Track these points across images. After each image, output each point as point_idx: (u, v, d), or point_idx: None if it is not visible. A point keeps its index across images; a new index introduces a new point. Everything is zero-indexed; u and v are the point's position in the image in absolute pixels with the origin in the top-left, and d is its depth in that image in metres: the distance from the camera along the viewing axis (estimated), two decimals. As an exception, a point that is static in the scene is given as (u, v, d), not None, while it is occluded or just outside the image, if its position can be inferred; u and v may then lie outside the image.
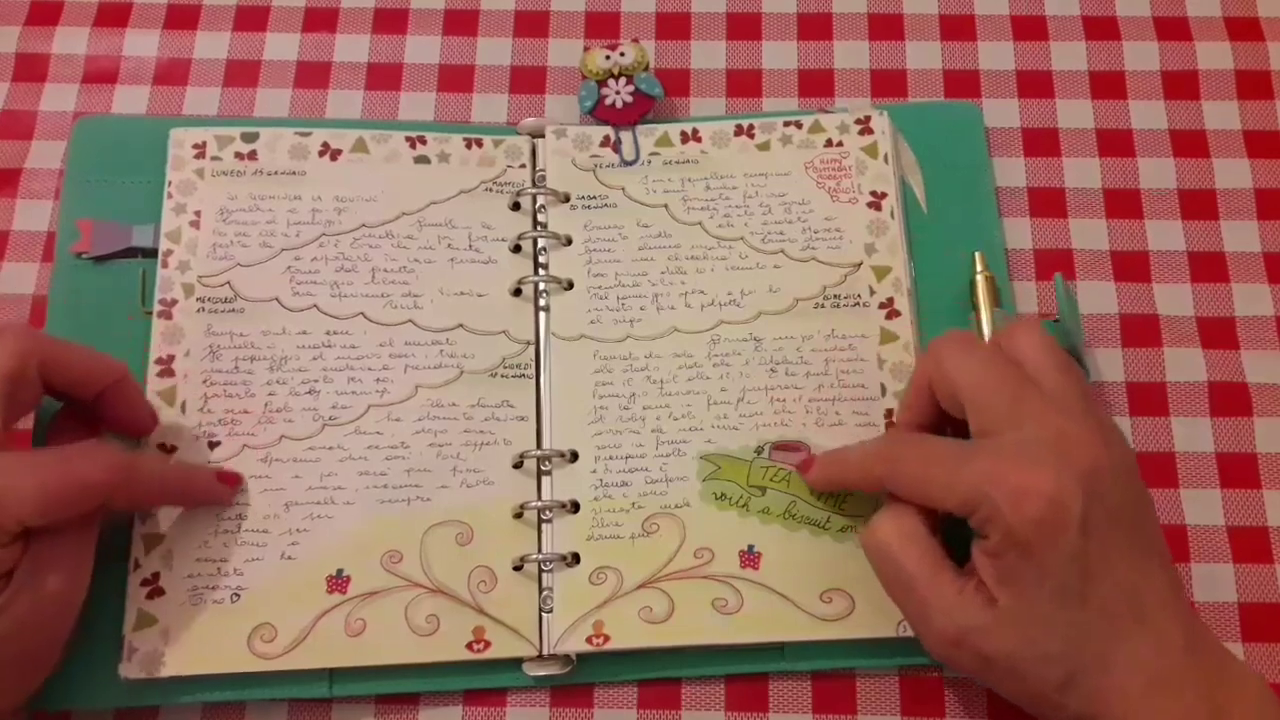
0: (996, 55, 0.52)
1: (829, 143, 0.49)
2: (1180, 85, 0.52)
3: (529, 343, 0.46)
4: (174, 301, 0.46)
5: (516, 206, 0.48)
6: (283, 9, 0.53)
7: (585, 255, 0.47)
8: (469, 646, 0.41)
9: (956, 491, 0.36)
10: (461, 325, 0.46)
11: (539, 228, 0.48)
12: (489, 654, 0.41)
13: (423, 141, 0.49)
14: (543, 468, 0.44)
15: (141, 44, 0.52)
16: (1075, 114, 0.51)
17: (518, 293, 0.47)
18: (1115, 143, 0.51)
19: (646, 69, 0.50)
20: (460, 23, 0.53)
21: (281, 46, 0.53)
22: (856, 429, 0.44)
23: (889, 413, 0.45)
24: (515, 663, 0.42)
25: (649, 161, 0.49)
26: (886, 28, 0.53)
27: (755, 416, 0.45)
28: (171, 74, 0.52)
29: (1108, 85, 0.52)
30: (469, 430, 0.44)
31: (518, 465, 0.44)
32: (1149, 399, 0.47)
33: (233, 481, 0.43)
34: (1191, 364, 0.47)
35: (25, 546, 0.36)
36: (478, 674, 0.42)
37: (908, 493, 0.38)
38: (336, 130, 0.49)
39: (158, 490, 0.41)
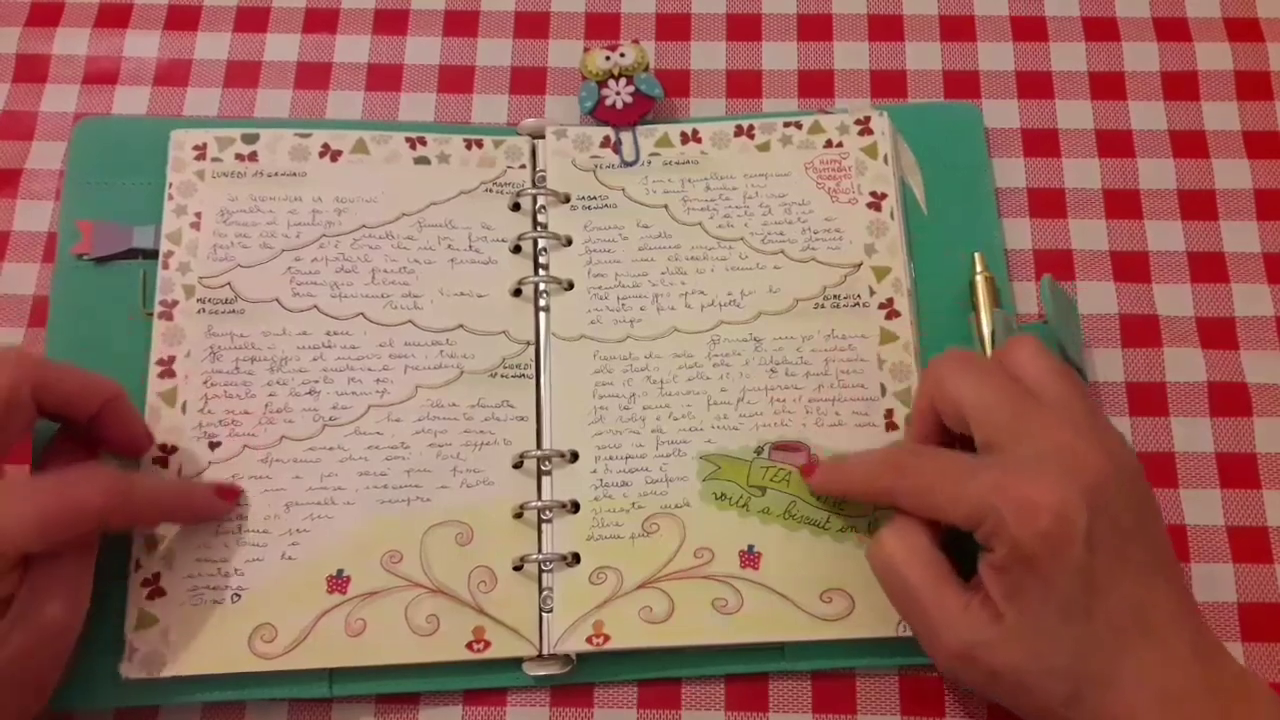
0: (996, 56, 0.53)
1: (829, 143, 0.49)
2: (1180, 86, 0.52)
3: (529, 343, 0.46)
4: (174, 303, 0.46)
5: (516, 207, 0.48)
6: (283, 10, 0.53)
7: (585, 256, 0.47)
8: (469, 646, 0.41)
9: (962, 504, 0.36)
10: (461, 326, 0.46)
11: (539, 228, 0.48)
12: (489, 654, 0.41)
13: (423, 142, 0.49)
14: (543, 468, 0.44)
15: (142, 45, 0.52)
16: (1075, 115, 0.51)
17: (518, 293, 0.47)
18: (1115, 143, 0.51)
19: (646, 70, 0.50)
20: (460, 23, 0.53)
21: (282, 47, 0.53)
22: (856, 429, 0.44)
23: (889, 413, 0.45)
24: (515, 663, 0.42)
25: (649, 162, 0.49)
26: (886, 28, 0.53)
27: (755, 417, 0.45)
28: (172, 75, 0.52)
29: (1107, 86, 0.52)
30: (469, 430, 0.44)
31: (518, 465, 0.44)
32: (1149, 399, 0.47)
33: (231, 496, 0.43)
34: (1191, 364, 0.47)
35: (23, 574, 0.36)
36: (478, 674, 0.42)
37: (912, 504, 0.38)
38: (337, 131, 0.49)
39: (154, 510, 0.41)
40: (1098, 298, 0.48)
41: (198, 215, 0.47)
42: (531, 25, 0.53)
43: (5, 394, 0.37)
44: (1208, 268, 0.49)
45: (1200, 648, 0.35)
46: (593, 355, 0.46)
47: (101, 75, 0.52)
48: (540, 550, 0.43)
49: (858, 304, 0.46)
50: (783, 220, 0.48)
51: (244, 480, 0.43)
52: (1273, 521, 0.45)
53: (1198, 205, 0.50)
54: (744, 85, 0.52)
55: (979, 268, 0.47)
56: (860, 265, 0.47)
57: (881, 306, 0.46)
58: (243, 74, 0.52)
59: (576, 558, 0.43)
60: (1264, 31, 0.53)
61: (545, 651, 0.42)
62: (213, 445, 0.44)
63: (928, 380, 0.39)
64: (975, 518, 0.35)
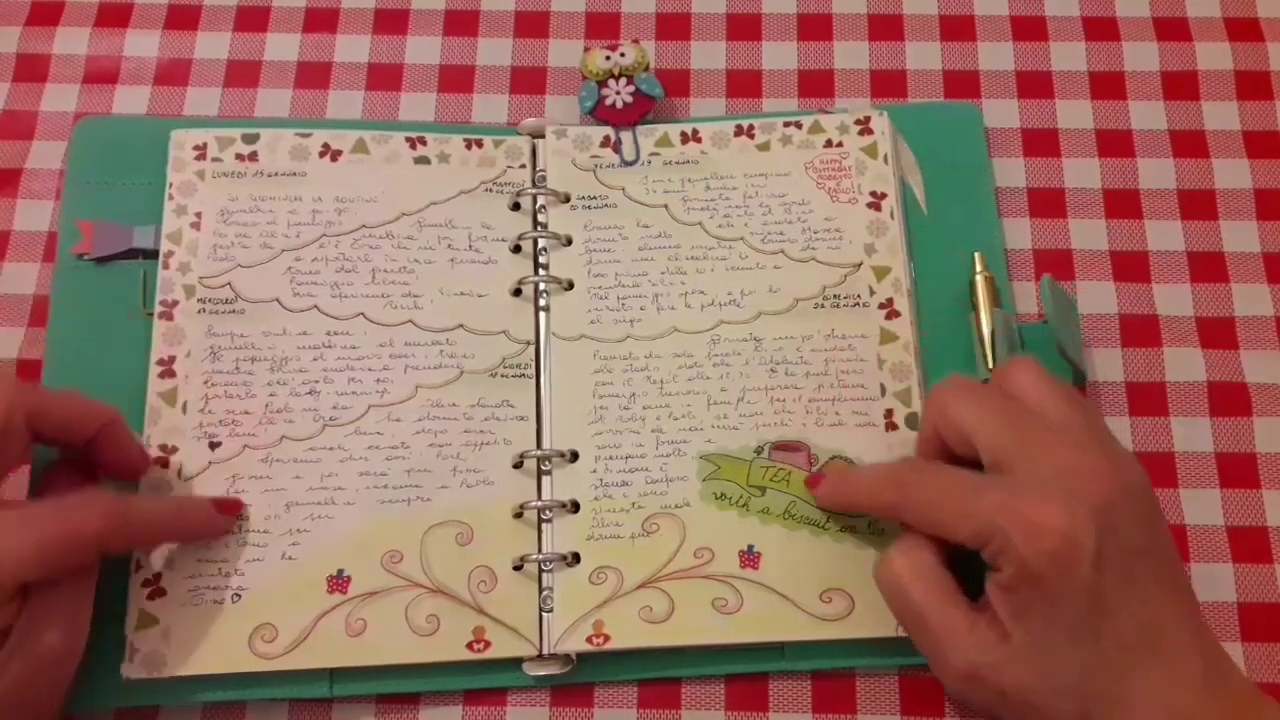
0: (996, 56, 0.53)
1: (829, 143, 0.49)
2: (1180, 86, 0.52)
3: (529, 343, 0.46)
4: (175, 303, 0.46)
5: (516, 207, 0.48)
6: (283, 9, 0.53)
7: (585, 255, 0.47)
8: (469, 646, 0.41)
9: (968, 522, 0.35)
10: (461, 325, 0.46)
11: (539, 228, 0.48)
12: (489, 654, 0.41)
13: (423, 142, 0.49)
14: (543, 468, 0.44)
15: (142, 44, 0.52)
16: (1075, 114, 0.51)
17: (518, 293, 0.47)
18: (1115, 143, 0.51)
19: (647, 69, 0.50)
20: (460, 23, 0.53)
21: (282, 47, 0.53)
22: (856, 429, 0.44)
23: (889, 412, 0.45)
24: (515, 662, 0.42)
25: (649, 162, 0.49)
26: (886, 28, 0.53)
27: (755, 416, 0.45)
28: (172, 74, 0.52)
29: (1107, 86, 0.52)
30: (469, 430, 0.44)
31: (518, 465, 0.44)
32: (1148, 399, 0.47)
33: (231, 509, 0.43)
34: (1191, 364, 0.47)
35: (22, 603, 0.36)
36: (478, 674, 0.42)
37: (918, 520, 0.38)
38: (337, 131, 0.49)
39: (152, 532, 0.41)
40: (1098, 297, 0.48)
41: (198, 215, 0.47)
42: (531, 25, 0.53)
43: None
44: (1207, 267, 0.49)
45: (1210, 667, 0.35)
46: (593, 355, 0.46)
47: (101, 75, 0.52)
48: (540, 550, 0.43)
49: (858, 304, 0.46)
50: (783, 220, 0.48)
51: (244, 480, 0.43)
52: (1272, 521, 0.45)
53: (1198, 205, 0.50)
54: (744, 85, 0.52)
55: (979, 267, 0.47)
56: (860, 265, 0.47)
57: (881, 306, 0.46)
58: (243, 74, 0.52)
59: (576, 558, 0.43)
60: (1264, 31, 0.53)
61: (545, 651, 0.42)
62: (213, 445, 0.44)
63: (931, 408, 0.39)
64: (981, 536, 0.35)
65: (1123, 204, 0.50)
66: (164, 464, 0.43)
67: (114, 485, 0.43)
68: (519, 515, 0.43)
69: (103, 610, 0.40)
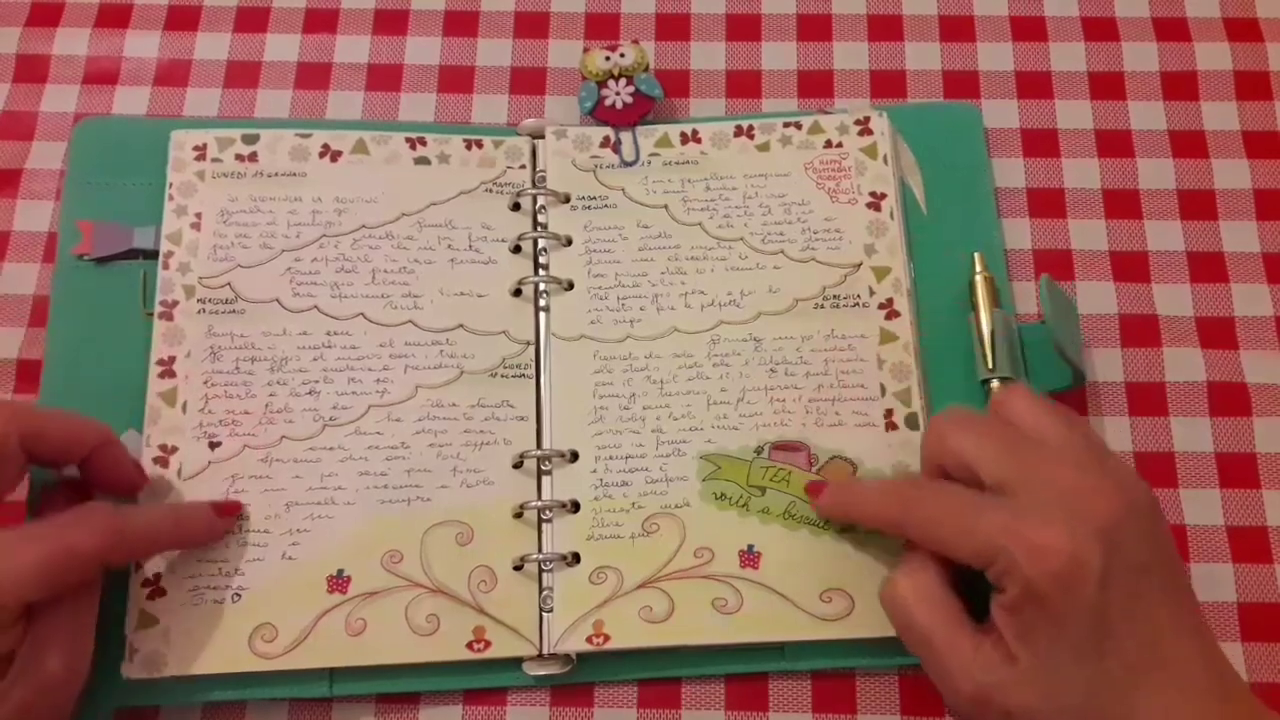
0: (996, 56, 0.53)
1: (828, 144, 0.49)
2: (1179, 86, 0.52)
3: (529, 343, 0.46)
4: (175, 303, 0.46)
5: (516, 207, 0.48)
6: (283, 10, 0.53)
7: (585, 256, 0.47)
8: (469, 646, 0.41)
9: (970, 540, 0.35)
10: (461, 325, 0.46)
11: (539, 228, 0.48)
12: (489, 654, 0.41)
13: (423, 143, 0.49)
14: (543, 468, 0.44)
15: (142, 45, 0.52)
16: (1074, 115, 0.51)
17: (518, 293, 0.47)
18: (1114, 143, 0.51)
19: (646, 70, 0.50)
20: (460, 24, 0.53)
21: (282, 47, 0.53)
22: (856, 429, 0.44)
23: (888, 413, 0.45)
24: (515, 662, 0.42)
25: (649, 162, 0.49)
26: (886, 28, 0.53)
27: (755, 416, 0.45)
28: (172, 75, 0.52)
29: (1107, 86, 0.52)
30: (469, 430, 0.44)
31: (518, 465, 0.44)
32: (1148, 399, 0.47)
33: (230, 512, 0.43)
34: (1191, 364, 0.47)
35: (27, 626, 0.36)
36: (478, 674, 0.42)
37: (919, 536, 0.38)
38: (337, 132, 0.49)
39: (151, 543, 0.41)
40: (1097, 298, 0.48)
41: (198, 215, 0.47)
42: (531, 25, 0.53)
43: None
44: (1207, 268, 0.49)
45: (1216, 684, 0.34)
46: (593, 355, 0.46)
47: (101, 75, 0.52)
48: (540, 550, 0.43)
49: (857, 304, 0.46)
50: (782, 220, 0.48)
51: (244, 480, 0.43)
52: (1272, 521, 0.45)
53: (1197, 205, 0.50)
54: (744, 85, 0.52)
55: (978, 268, 0.47)
56: (860, 265, 0.47)
57: (881, 306, 0.46)
58: (243, 74, 0.52)
59: (576, 557, 0.43)
60: (1264, 31, 0.53)
61: (545, 651, 0.42)
62: (213, 445, 0.44)
63: (930, 439, 0.39)
64: (986, 556, 0.35)
65: (1122, 204, 0.50)
66: (164, 464, 0.43)
67: (111, 500, 0.42)
68: (519, 515, 0.43)
69: (103, 610, 0.40)
